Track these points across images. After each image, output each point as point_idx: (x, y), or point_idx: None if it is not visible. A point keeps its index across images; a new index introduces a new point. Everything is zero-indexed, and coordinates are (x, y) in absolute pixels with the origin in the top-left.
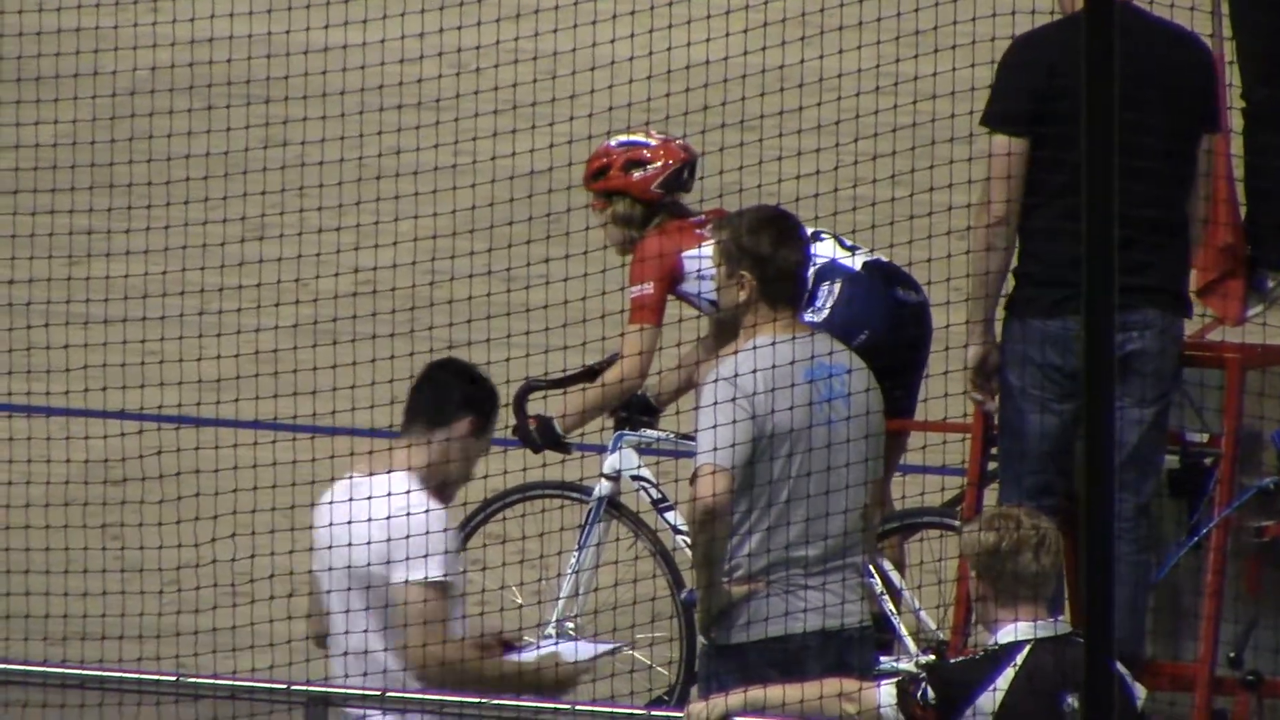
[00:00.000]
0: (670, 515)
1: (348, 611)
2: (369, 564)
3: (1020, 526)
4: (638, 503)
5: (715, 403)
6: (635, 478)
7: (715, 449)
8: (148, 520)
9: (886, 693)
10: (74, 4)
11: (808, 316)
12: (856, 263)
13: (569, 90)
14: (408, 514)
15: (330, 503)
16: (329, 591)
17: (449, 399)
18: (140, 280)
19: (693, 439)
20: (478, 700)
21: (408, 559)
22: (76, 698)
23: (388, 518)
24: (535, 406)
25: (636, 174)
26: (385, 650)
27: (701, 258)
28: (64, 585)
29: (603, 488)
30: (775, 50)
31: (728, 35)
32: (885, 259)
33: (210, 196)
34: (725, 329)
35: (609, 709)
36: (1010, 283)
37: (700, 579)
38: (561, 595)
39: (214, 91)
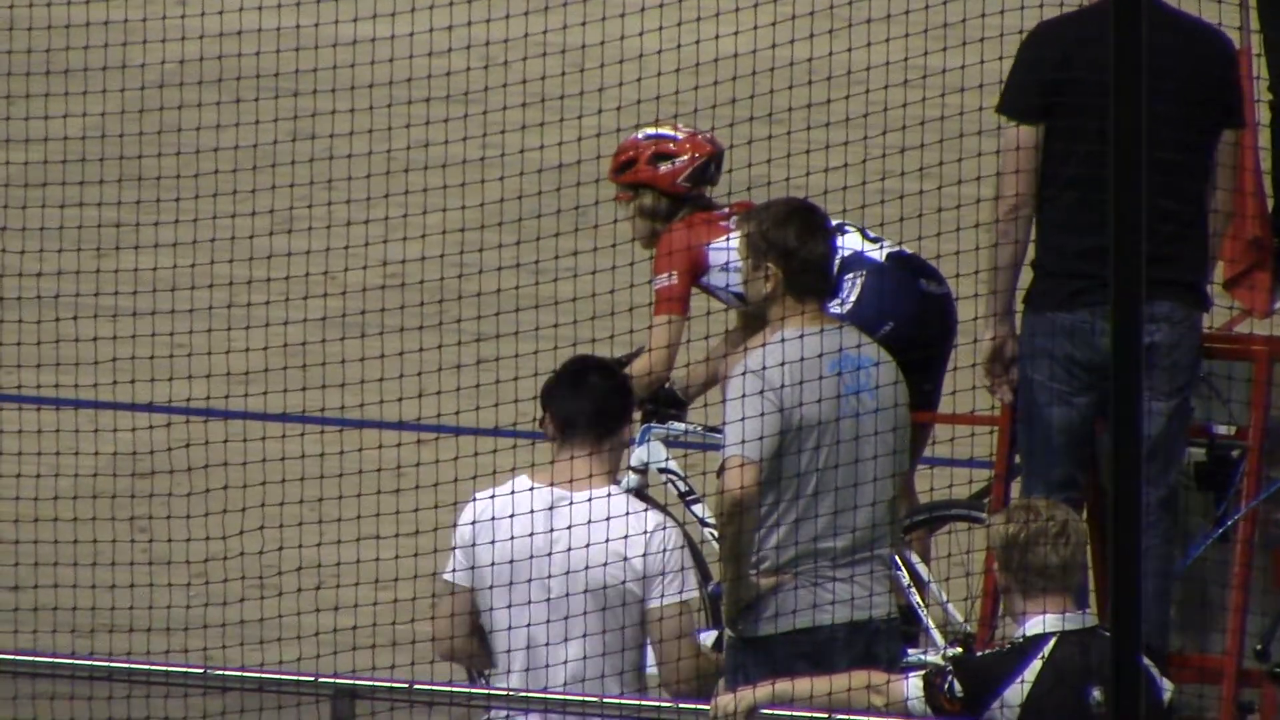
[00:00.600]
0: (698, 508)
1: (565, 628)
2: (623, 583)
3: (1039, 518)
4: (665, 495)
5: (743, 395)
6: (663, 470)
7: (743, 441)
8: (175, 513)
9: (914, 685)
10: None
11: (833, 308)
12: (880, 254)
13: (597, 83)
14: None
15: (524, 513)
16: (518, 604)
17: (613, 407)
18: (169, 273)
19: (720, 432)
20: (527, 694)
21: (669, 578)
22: (104, 690)
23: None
24: None
25: (663, 167)
26: (608, 662)
27: (727, 250)
28: (92, 578)
29: (630, 480)
30: (803, 43)
31: (756, 28)
32: (909, 250)
33: (239, 189)
34: (751, 322)
35: (637, 701)
36: (1028, 275)
37: (727, 571)
38: None
39: (242, 85)
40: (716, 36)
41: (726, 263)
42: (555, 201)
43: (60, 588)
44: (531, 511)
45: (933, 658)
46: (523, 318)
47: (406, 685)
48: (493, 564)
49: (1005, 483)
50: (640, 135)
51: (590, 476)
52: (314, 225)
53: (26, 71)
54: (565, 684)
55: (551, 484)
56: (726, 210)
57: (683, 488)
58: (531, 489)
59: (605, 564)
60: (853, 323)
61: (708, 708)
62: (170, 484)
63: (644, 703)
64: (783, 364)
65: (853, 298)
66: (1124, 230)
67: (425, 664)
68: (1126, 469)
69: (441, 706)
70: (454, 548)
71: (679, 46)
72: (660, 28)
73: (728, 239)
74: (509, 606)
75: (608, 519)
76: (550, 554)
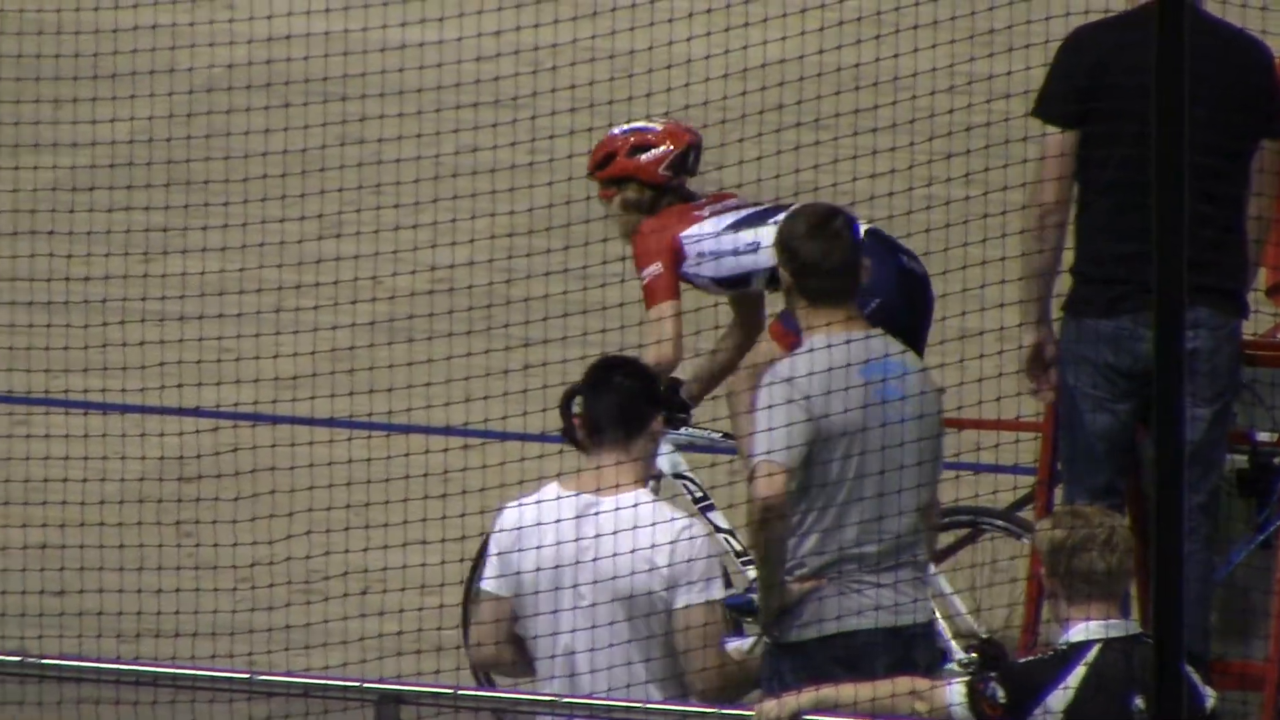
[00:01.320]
0: (713, 514)
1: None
2: (655, 589)
3: (1087, 524)
4: (683, 503)
5: (771, 405)
6: (678, 476)
7: (772, 450)
8: (222, 517)
9: (956, 692)
10: (150, 1)
11: None
12: (860, 230)
13: (643, 89)
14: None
15: (555, 522)
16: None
17: (637, 404)
18: (215, 277)
19: (735, 438)
20: (572, 699)
21: (694, 581)
22: (149, 695)
23: (672, 542)
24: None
25: (643, 157)
26: (646, 669)
27: (701, 238)
28: (137, 582)
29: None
30: (849, 49)
31: (803, 34)
32: (882, 230)
33: (287, 194)
34: (746, 312)
35: (681, 707)
36: (1066, 281)
37: (760, 577)
38: None
39: (291, 89)
40: (765, 42)
41: (702, 252)
42: (601, 207)
43: (106, 592)
44: (558, 521)
45: (956, 662)
46: (570, 323)
47: (451, 690)
48: (523, 572)
49: (1048, 489)
50: (617, 130)
51: (618, 483)
52: (362, 230)
53: (74, 76)
54: (610, 690)
55: (581, 491)
56: (702, 201)
57: (698, 494)
58: (558, 498)
59: (635, 571)
60: None
61: (750, 714)
62: (216, 489)
63: (688, 709)
64: (812, 374)
65: None
66: (1166, 236)
67: (470, 670)
68: (1169, 475)
69: (486, 712)
70: (487, 556)
71: (727, 52)
72: (708, 33)
73: (697, 227)
74: (537, 614)
75: (636, 524)
76: (581, 562)
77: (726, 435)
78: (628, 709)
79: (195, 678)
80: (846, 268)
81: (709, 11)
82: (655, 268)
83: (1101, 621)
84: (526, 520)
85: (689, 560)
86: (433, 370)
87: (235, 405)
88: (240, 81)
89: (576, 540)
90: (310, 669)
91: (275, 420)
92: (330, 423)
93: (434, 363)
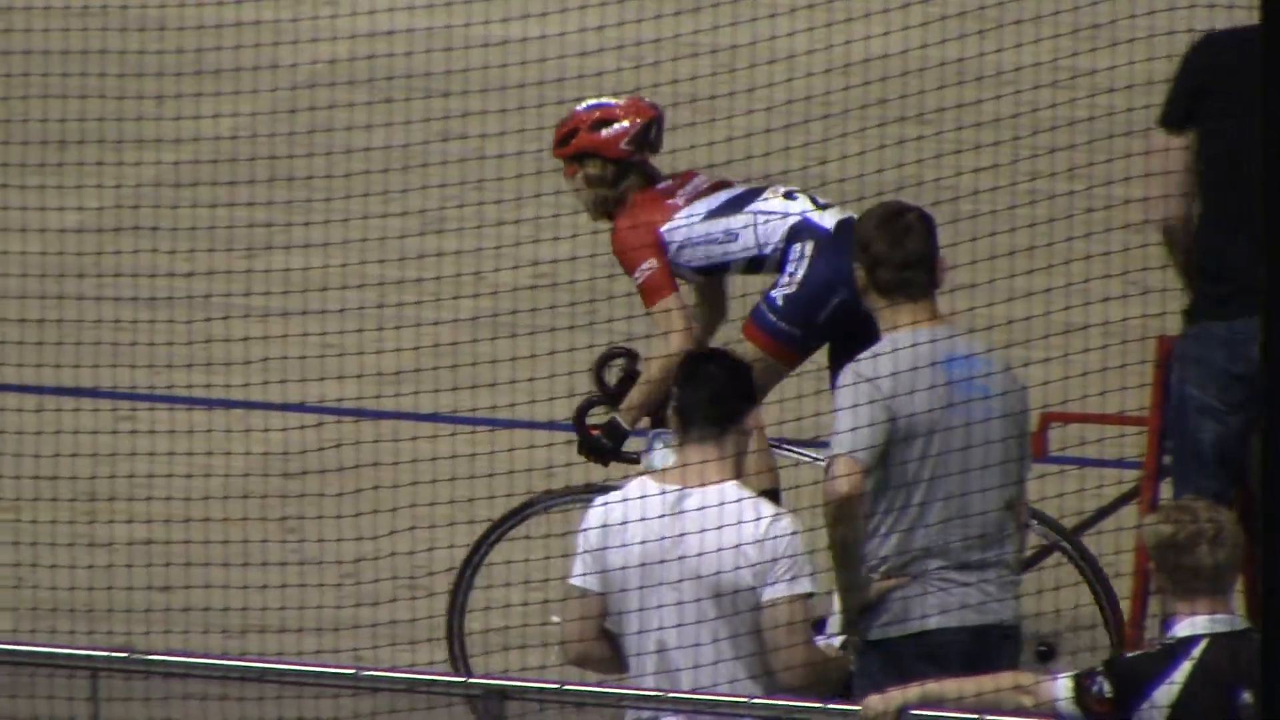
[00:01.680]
0: None
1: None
2: (746, 583)
3: (1195, 520)
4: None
5: (853, 404)
6: None
7: (851, 447)
8: (326, 513)
9: (1063, 686)
10: None
11: (782, 280)
12: (830, 220)
13: (747, 84)
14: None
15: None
16: (656, 606)
17: (729, 398)
18: (318, 273)
19: None
20: (677, 694)
21: (783, 574)
22: (254, 691)
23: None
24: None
25: (604, 132)
26: (738, 662)
27: (680, 228)
28: (242, 578)
29: None
30: (953, 44)
31: (905, 28)
32: (856, 217)
33: (388, 190)
34: (712, 296)
35: (787, 702)
36: (1183, 283)
37: (838, 577)
38: None
39: (392, 85)
40: (867, 37)
41: (682, 243)
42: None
43: (210, 588)
44: (648, 516)
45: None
46: None
47: (557, 685)
48: (611, 570)
49: (1155, 483)
50: (579, 107)
51: (709, 473)
52: (463, 225)
53: (177, 72)
54: (714, 685)
55: (669, 484)
56: (670, 184)
57: None
58: (644, 496)
59: (725, 564)
60: (802, 293)
61: (855, 709)
62: (320, 484)
63: (792, 704)
64: (895, 372)
65: (801, 271)
66: (1276, 235)
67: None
68: (1276, 470)
69: (591, 707)
70: (580, 553)
71: (829, 47)
72: (810, 28)
73: (674, 217)
74: (629, 610)
75: (725, 517)
76: (672, 556)
77: None
78: (732, 704)
79: (300, 673)
80: (919, 260)
81: (810, 6)
82: (649, 264)
83: (1208, 617)
84: (616, 516)
85: (778, 553)
86: (535, 365)
87: (339, 401)
88: (341, 77)
89: (665, 536)
90: (415, 664)
91: (378, 416)
92: (433, 418)
93: (536, 358)
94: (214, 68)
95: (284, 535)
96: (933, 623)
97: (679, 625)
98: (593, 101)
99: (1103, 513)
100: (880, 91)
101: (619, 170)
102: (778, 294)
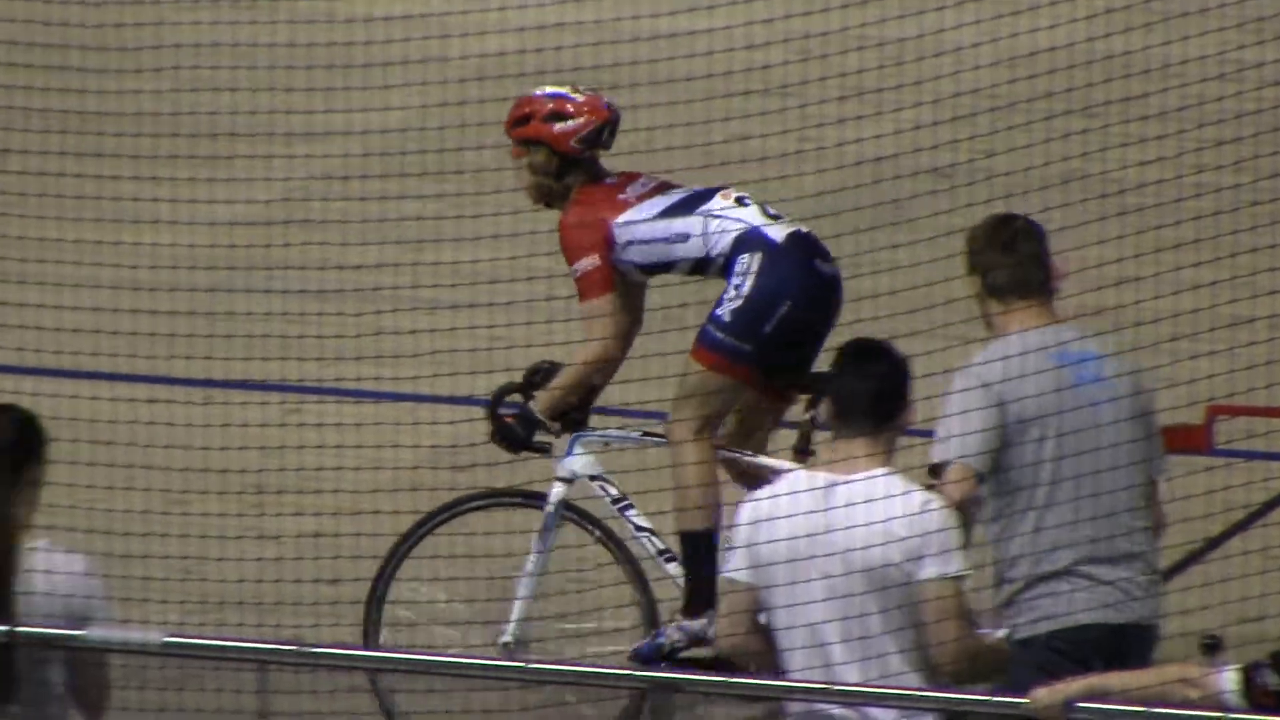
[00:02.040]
0: (632, 514)
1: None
2: (897, 563)
3: None
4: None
5: (963, 408)
6: (594, 478)
7: (965, 453)
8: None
9: (1230, 678)
10: None
11: (729, 290)
12: (779, 232)
13: (914, 77)
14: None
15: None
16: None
17: (890, 395)
18: (487, 266)
19: (655, 436)
20: (842, 687)
21: (935, 554)
22: (422, 683)
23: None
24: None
25: (557, 126)
26: (895, 647)
27: (633, 224)
28: (413, 570)
29: (558, 491)
30: (1119, 37)
31: (1073, 21)
32: (805, 229)
33: None
34: (630, 303)
35: (950, 695)
36: None
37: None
38: (517, 602)
39: (558, 78)
40: (1034, 30)
41: (632, 239)
42: (873, 195)
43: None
44: (800, 506)
45: None
46: (844, 311)
47: (724, 678)
48: (762, 560)
49: None
50: (539, 92)
51: (862, 466)
52: None
53: (345, 65)
54: (881, 675)
55: (818, 474)
56: (617, 181)
57: (615, 493)
58: (793, 492)
59: (877, 544)
60: (748, 306)
61: (1023, 700)
62: (489, 477)
63: (960, 695)
64: (1006, 377)
65: (747, 284)
66: None
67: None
68: None
69: (760, 699)
70: (733, 546)
71: (995, 40)
72: (977, 21)
73: (624, 214)
74: (782, 600)
75: (875, 498)
76: (823, 543)
77: (647, 434)
78: (899, 696)
79: (469, 666)
80: (1030, 261)
81: (978, 0)
82: (590, 260)
83: None
84: (767, 509)
85: (930, 533)
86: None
87: None
88: (510, 70)
89: (817, 525)
90: (585, 657)
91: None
92: (603, 410)
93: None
94: (382, 60)
95: (453, 529)
96: (1066, 621)
97: (835, 609)
98: (553, 90)
99: (1270, 505)
100: (1047, 85)
101: (565, 164)
102: (723, 310)
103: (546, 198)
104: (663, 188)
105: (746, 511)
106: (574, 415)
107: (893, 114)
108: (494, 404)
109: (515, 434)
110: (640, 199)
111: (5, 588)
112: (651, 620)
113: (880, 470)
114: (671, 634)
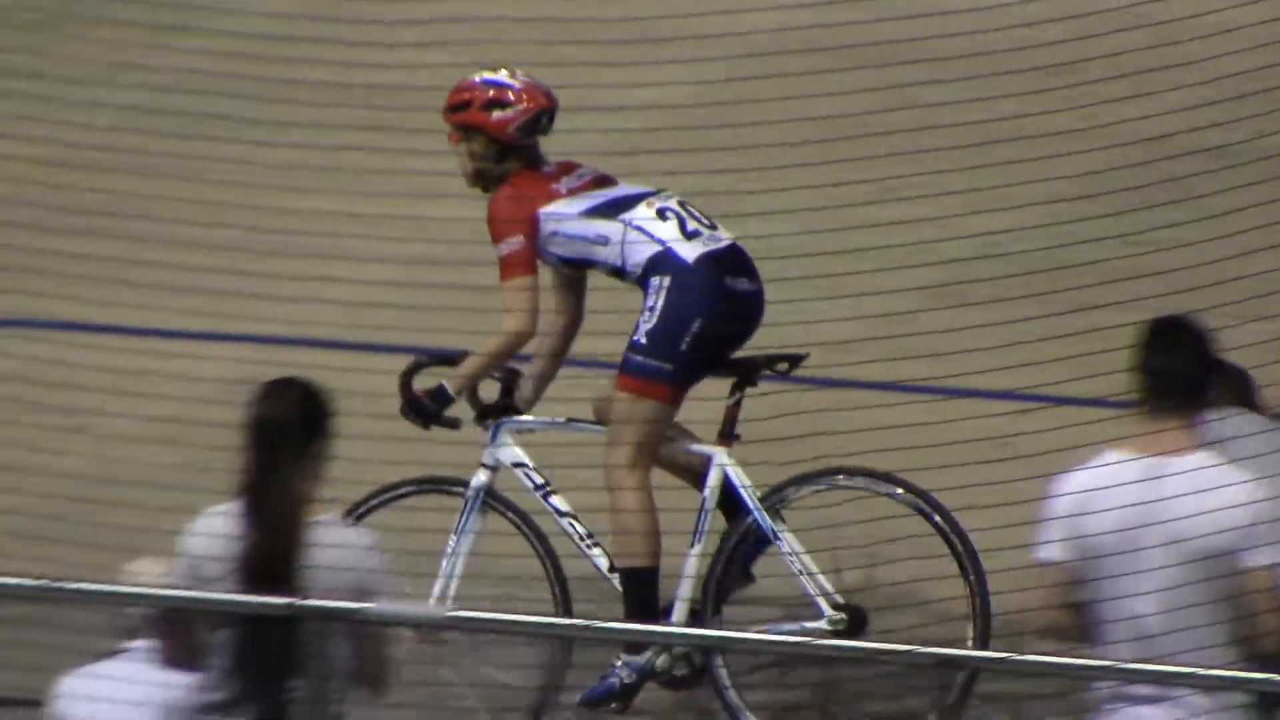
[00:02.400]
0: (554, 499)
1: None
2: (1226, 549)
3: None
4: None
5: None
6: (516, 465)
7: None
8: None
9: None
10: None
11: (642, 316)
12: (691, 251)
13: (1190, 57)
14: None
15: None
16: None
17: (1203, 371)
18: (764, 242)
19: (581, 421)
20: (1139, 665)
21: (1265, 541)
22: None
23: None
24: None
25: (495, 114)
26: (1218, 632)
27: (558, 217)
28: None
29: (481, 478)
30: None
31: None
32: (724, 246)
33: (840, 158)
34: (571, 299)
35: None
36: None
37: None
38: (434, 590)
39: (841, 54)
40: None
41: (556, 231)
42: (1151, 173)
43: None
44: (1124, 484)
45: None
46: (1123, 288)
47: (1004, 656)
48: (1088, 536)
49: None
50: (478, 79)
51: (1180, 442)
52: (911, 195)
53: (621, 39)
54: (1199, 656)
55: (1142, 455)
56: (554, 170)
57: (538, 480)
58: (1120, 464)
59: (1208, 531)
60: (661, 325)
61: None
62: (774, 452)
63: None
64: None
65: (659, 304)
66: None
67: (1020, 636)
68: None
69: (1045, 676)
70: (1050, 523)
71: (1274, 20)
72: (1254, 0)
73: (553, 203)
74: (1104, 578)
75: (1206, 485)
76: (1152, 524)
77: (571, 419)
78: (1220, 678)
79: (523, 624)
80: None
81: None
82: (515, 241)
83: None
84: (1088, 486)
85: (1260, 520)
86: (985, 335)
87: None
88: (791, 45)
89: (1144, 503)
90: (871, 631)
91: (829, 384)
92: (884, 385)
93: (987, 327)
94: (670, 35)
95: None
96: None
97: (1159, 592)
98: (490, 77)
99: None
100: None
101: (503, 151)
102: (639, 335)
103: (483, 182)
104: (598, 182)
105: (1065, 486)
106: (502, 402)
107: (1169, 93)
108: (405, 379)
109: (426, 409)
110: (572, 192)
111: (291, 562)
112: (567, 611)
113: (1202, 451)
114: (621, 673)
